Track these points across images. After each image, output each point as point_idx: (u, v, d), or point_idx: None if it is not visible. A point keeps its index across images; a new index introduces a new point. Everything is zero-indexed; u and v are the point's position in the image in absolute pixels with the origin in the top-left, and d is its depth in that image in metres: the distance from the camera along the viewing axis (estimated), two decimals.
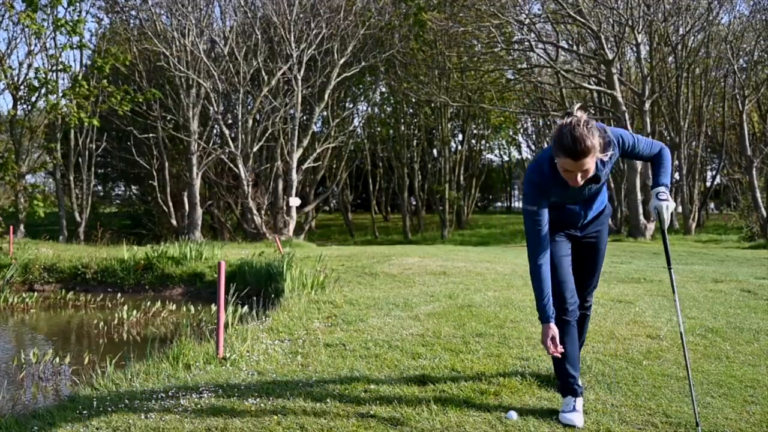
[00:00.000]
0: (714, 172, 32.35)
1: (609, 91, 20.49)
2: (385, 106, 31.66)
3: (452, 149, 31.42)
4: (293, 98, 21.13)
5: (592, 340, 4.34)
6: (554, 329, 2.82)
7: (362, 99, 30.66)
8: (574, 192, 2.93)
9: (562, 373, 3.02)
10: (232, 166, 20.82)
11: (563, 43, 23.72)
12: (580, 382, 3.04)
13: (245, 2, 21.82)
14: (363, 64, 23.27)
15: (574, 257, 3.17)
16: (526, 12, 21.78)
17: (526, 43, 21.03)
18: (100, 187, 30.96)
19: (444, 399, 3.13)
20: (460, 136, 32.65)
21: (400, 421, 2.86)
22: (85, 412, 3.08)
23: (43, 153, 22.26)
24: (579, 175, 2.68)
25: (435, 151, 33.13)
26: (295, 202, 20.21)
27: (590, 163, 2.66)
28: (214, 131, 23.47)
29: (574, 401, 2.95)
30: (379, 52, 23.70)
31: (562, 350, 2.85)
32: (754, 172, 19.86)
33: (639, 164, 20.37)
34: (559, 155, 2.67)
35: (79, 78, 19.77)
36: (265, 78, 20.93)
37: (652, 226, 20.31)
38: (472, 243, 22.97)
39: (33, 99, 19.87)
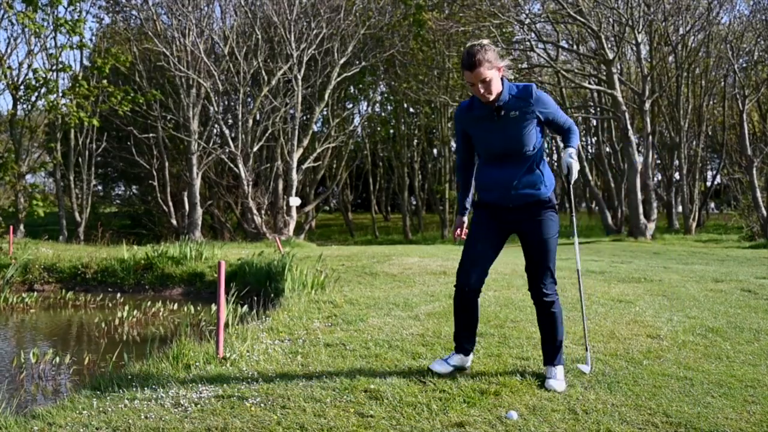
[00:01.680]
0: (714, 172, 32.37)
1: (609, 91, 20.48)
2: (385, 106, 31.65)
3: (452, 149, 31.40)
4: (293, 98, 21.13)
5: (592, 339, 4.34)
6: (464, 221, 3.52)
7: (362, 99, 30.65)
8: (488, 126, 3.25)
9: (456, 334, 3.59)
10: (232, 166, 20.82)
11: (563, 43, 23.73)
12: (469, 347, 3.59)
13: (245, 2, 21.82)
14: (363, 63, 23.25)
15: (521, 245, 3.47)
16: (526, 12, 21.78)
17: (527, 43, 21.02)
18: (100, 187, 30.96)
19: (444, 399, 3.13)
20: None
21: (400, 421, 2.86)
22: (85, 412, 3.07)
23: (43, 153, 22.26)
24: (481, 87, 3.11)
25: (435, 151, 33.13)
26: (295, 201, 20.21)
27: (485, 74, 3.09)
28: (214, 131, 23.45)
29: (454, 355, 3.56)
30: (379, 52, 23.69)
31: (464, 237, 3.48)
32: (754, 172, 19.85)
33: (639, 164, 20.38)
34: (462, 72, 3.16)
35: (79, 78, 19.76)
36: (266, 78, 20.92)
37: (652, 226, 20.31)
38: None
39: (33, 99, 19.87)
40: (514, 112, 3.20)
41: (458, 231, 3.59)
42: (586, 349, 3.68)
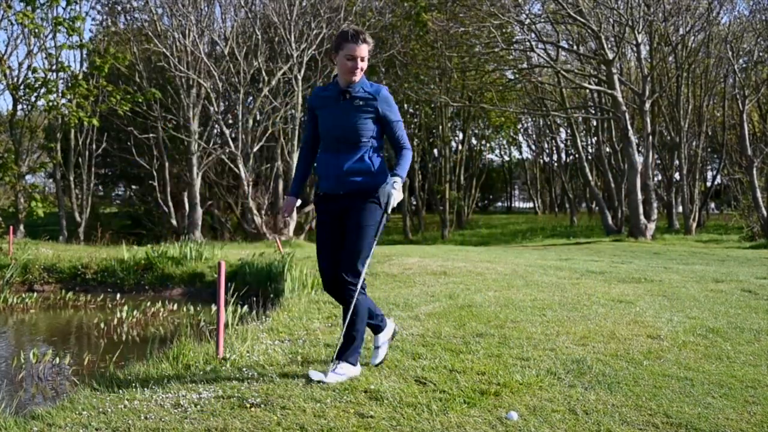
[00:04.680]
0: (714, 172, 32.38)
1: (609, 91, 20.47)
2: None
3: (453, 149, 31.42)
4: (293, 98, 21.12)
5: (592, 340, 4.33)
6: (292, 201, 3.67)
7: None
8: (332, 108, 3.41)
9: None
10: (232, 166, 20.80)
11: (563, 43, 23.73)
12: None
13: (245, 2, 21.81)
14: None
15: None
16: (527, 12, 21.77)
17: (527, 43, 21.01)
18: (100, 188, 30.95)
19: (444, 399, 3.12)
20: (461, 136, 32.65)
21: (400, 422, 2.86)
22: (85, 412, 3.07)
23: (43, 153, 22.24)
24: (359, 63, 3.29)
25: (435, 151, 33.14)
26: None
27: (365, 54, 3.32)
28: (215, 131, 23.44)
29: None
30: (380, 52, 23.69)
31: (288, 217, 3.66)
32: (754, 172, 19.85)
33: (639, 164, 20.37)
34: (344, 46, 3.31)
35: (79, 78, 19.75)
36: (266, 78, 20.92)
37: (652, 226, 20.31)
38: (473, 243, 22.97)
39: (32, 99, 19.87)
40: (358, 101, 3.36)
41: (285, 211, 3.76)
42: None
